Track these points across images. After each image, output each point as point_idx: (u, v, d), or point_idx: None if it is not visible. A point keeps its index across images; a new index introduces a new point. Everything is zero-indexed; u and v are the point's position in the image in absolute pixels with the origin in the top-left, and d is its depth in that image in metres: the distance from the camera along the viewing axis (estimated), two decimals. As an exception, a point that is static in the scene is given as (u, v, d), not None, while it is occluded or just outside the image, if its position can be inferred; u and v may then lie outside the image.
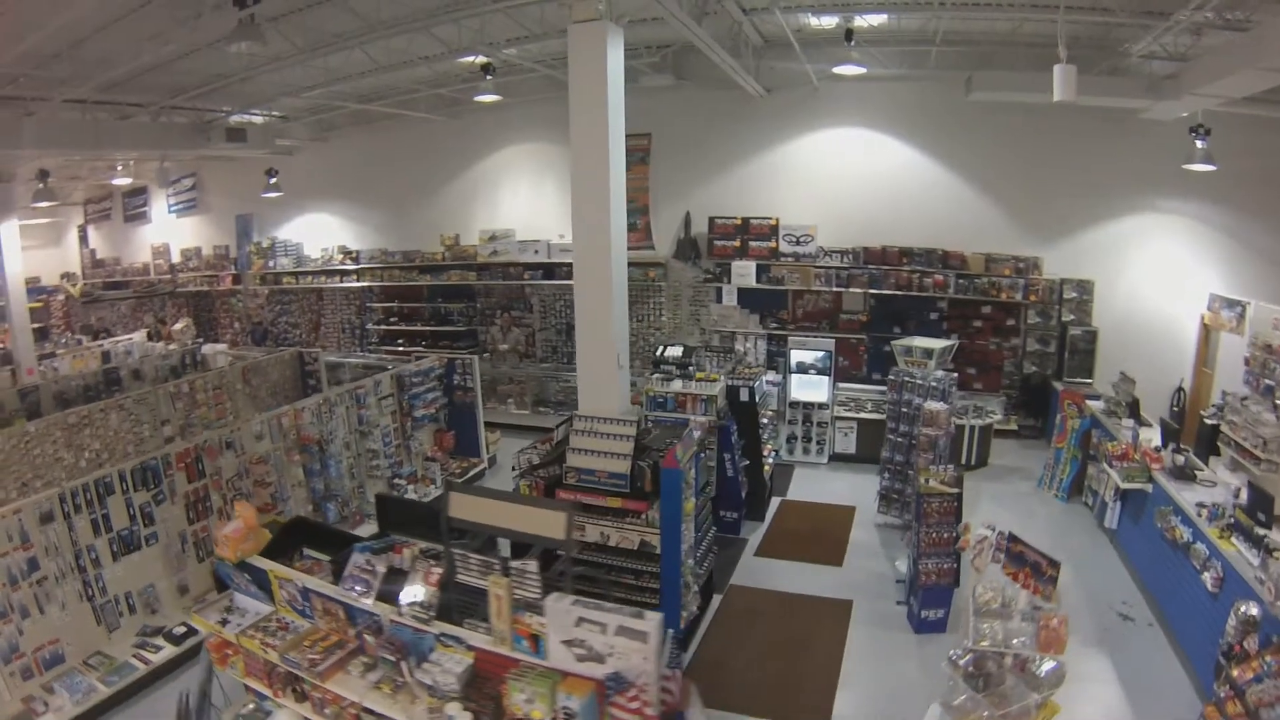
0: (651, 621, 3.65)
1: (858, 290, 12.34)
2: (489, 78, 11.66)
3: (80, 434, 10.20)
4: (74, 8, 7.86)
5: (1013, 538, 5.29)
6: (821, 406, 11.63)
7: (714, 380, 9.85)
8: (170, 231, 20.44)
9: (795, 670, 6.81)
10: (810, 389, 11.65)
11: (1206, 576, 6.03)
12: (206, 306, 19.83)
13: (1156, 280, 11.53)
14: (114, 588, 7.65)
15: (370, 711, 4.48)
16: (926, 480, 7.36)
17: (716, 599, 8.07)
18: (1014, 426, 11.94)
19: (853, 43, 9.72)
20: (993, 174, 11.82)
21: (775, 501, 10.49)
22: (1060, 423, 10.06)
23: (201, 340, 16.98)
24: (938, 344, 9.31)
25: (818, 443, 11.71)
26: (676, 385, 9.74)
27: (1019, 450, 11.58)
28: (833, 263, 12.45)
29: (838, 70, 10.68)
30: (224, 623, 5.61)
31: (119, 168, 15.97)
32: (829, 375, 11.56)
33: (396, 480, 10.97)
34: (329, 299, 17.79)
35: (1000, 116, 11.36)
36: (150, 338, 16.69)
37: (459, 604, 4.43)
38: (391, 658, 4.45)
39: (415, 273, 16.24)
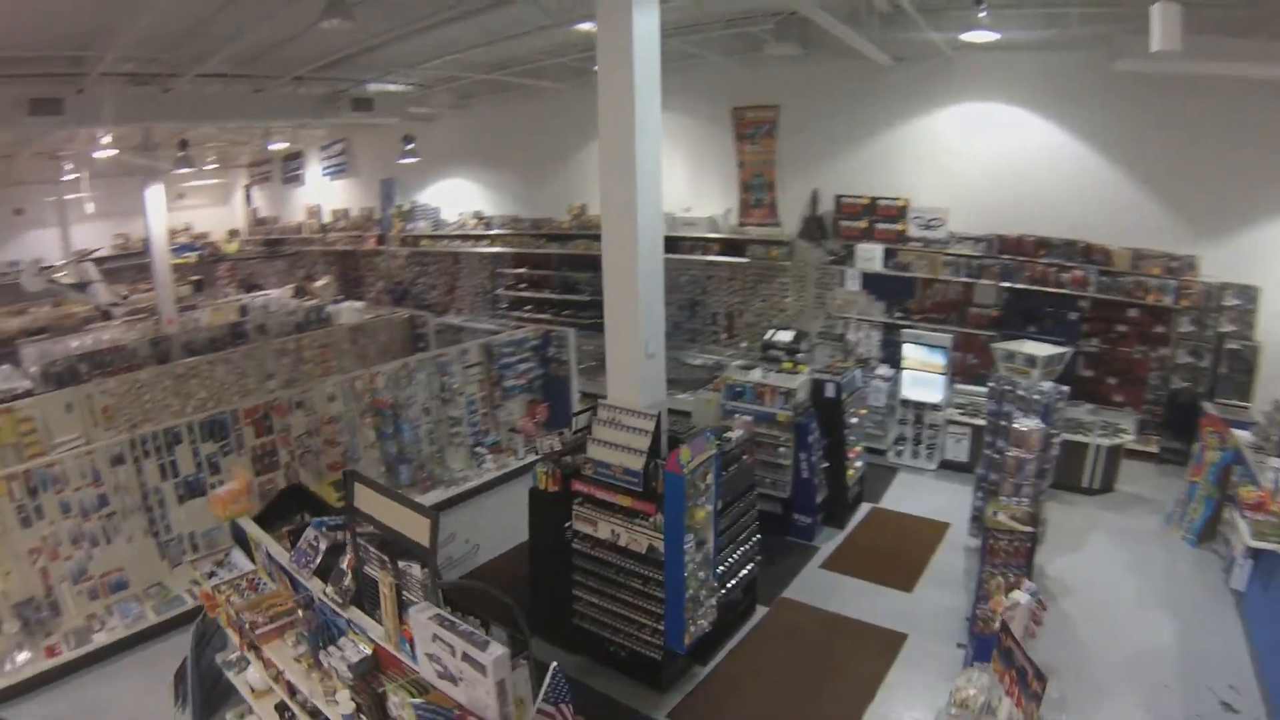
0: (492, 655, 3.13)
1: (989, 282, 10.93)
2: None
3: (188, 383, 10.86)
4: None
5: (1004, 628, 4.25)
6: (935, 407, 10.44)
7: (799, 372, 9.03)
8: (323, 193, 21.65)
9: (814, 705, 6.04)
10: (924, 387, 10.48)
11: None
12: (352, 265, 20.87)
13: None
14: (178, 527, 8.15)
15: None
16: (995, 513, 6.26)
17: (761, 611, 7.37)
18: (1154, 449, 10.17)
19: (983, 4, 8.39)
20: (1144, 157, 10.01)
21: (865, 509, 9.54)
22: (1199, 452, 8.37)
23: (341, 298, 17.84)
24: (1046, 351, 7.96)
25: (928, 447, 10.54)
26: (756, 375, 9.03)
27: (1155, 477, 9.88)
28: (964, 250, 11.07)
29: (966, 37, 9.38)
30: (211, 574, 5.75)
31: (275, 134, 16.92)
32: (946, 373, 10.32)
33: (478, 449, 10.93)
34: (464, 262, 18.19)
35: (1153, 89, 9.57)
36: (297, 293, 17.74)
37: (369, 594, 4.21)
38: (308, 634, 4.45)
39: (544, 240, 16.25)
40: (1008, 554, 6.09)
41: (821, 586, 7.83)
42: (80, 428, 9.83)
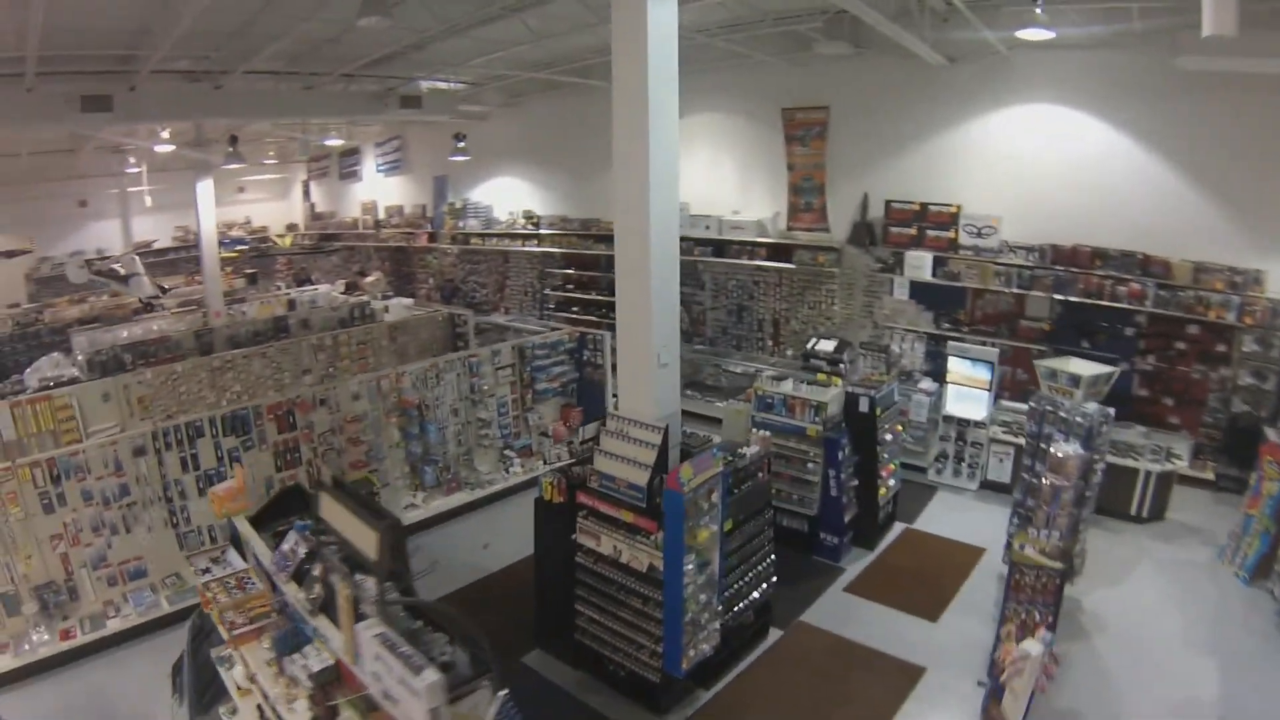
0: (425, 681, 2.93)
1: (1041, 294, 10.35)
2: None
3: (223, 377, 10.97)
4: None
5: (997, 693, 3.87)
6: (978, 424, 9.93)
7: (833, 384, 8.65)
8: (378, 189, 21.87)
9: (820, 741, 5.71)
10: (968, 402, 9.99)
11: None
12: (405, 262, 21.03)
13: None
14: (198, 519, 8.21)
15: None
16: (1022, 545, 5.83)
17: (775, 635, 7.04)
18: (1210, 476, 9.47)
19: (1039, 0, 7.89)
20: (1208, 163, 9.29)
21: (898, 529, 9.11)
22: (1257, 482, 7.71)
23: (391, 294, 17.94)
24: (1091, 370, 7.43)
25: (969, 465, 10.04)
26: (787, 386, 8.69)
27: (1209, 507, 9.18)
28: (1016, 260, 10.51)
29: (1022, 35, 8.87)
30: (206, 570, 5.76)
31: (331, 131, 17.12)
32: (991, 389, 9.81)
33: (507, 451, 10.80)
34: (514, 261, 18.15)
35: (1218, 88, 8.87)
36: (349, 289, 17.91)
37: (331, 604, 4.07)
38: (277, 638, 4.45)
39: (591, 241, 16.09)
40: (1034, 590, 5.65)
41: (842, 611, 7.47)
42: (117, 417, 9.99)
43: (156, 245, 20.56)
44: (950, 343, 10.35)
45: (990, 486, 9.82)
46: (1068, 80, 9.97)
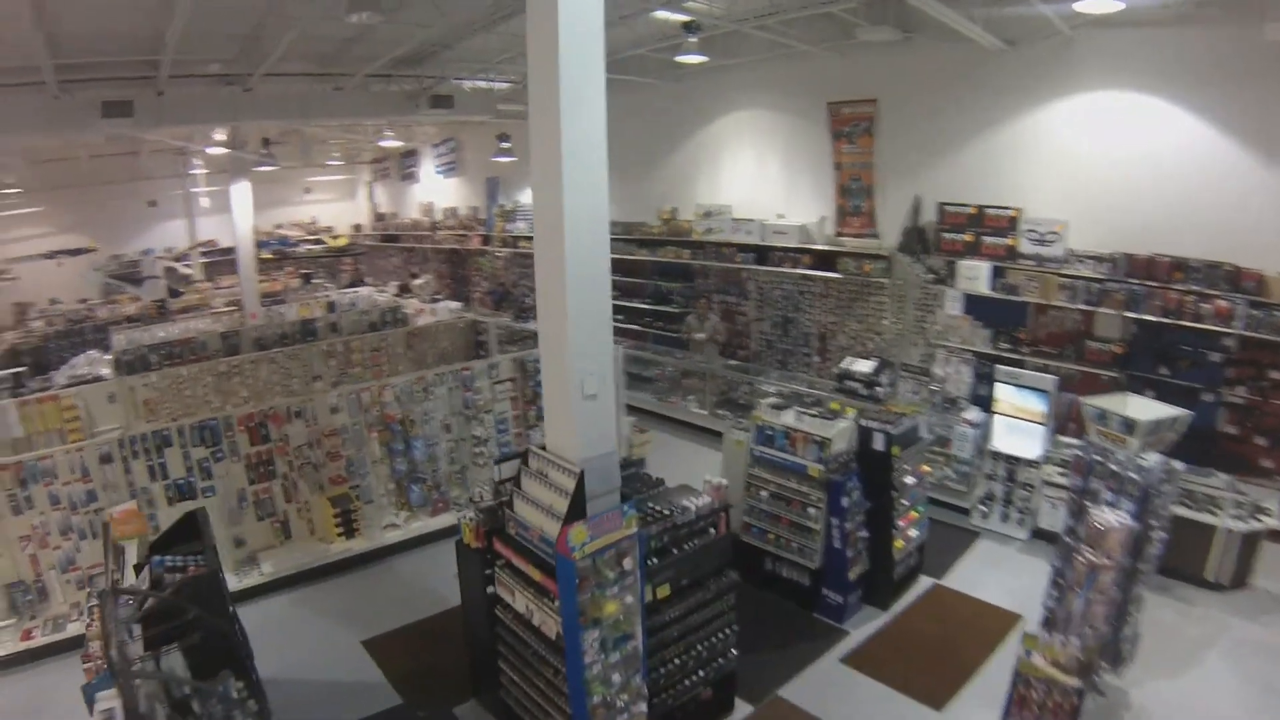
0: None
1: (1111, 311, 8.85)
2: (693, 38, 10.19)
3: (230, 381, 10.72)
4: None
5: None
6: (1031, 463, 8.56)
7: (845, 415, 7.54)
8: (435, 190, 21.66)
9: None
10: (1019, 437, 8.65)
11: None
12: (459, 264, 20.70)
13: None
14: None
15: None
16: (1029, 651, 4.64)
17: (742, 711, 6.04)
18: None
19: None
20: None
21: (923, 585, 7.87)
22: None
23: (440, 296, 17.61)
24: (1152, 414, 6.00)
25: (1019, 510, 8.67)
26: (788, 418, 7.62)
27: (1308, 573, 7.53)
28: (1083, 271, 9.04)
29: (1084, 8, 7.52)
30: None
31: (388, 132, 16.92)
32: (1047, 422, 8.45)
33: (501, 470, 10.10)
34: None
35: None
36: (402, 291, 17.69)
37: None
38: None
39: (635, 246, 15.27)
40: (1043, 710, 4.46)
41: (832, 686, 6.37)
42: (122, 418, 9.94)
43: (219, 245, 21.02)
44: (998, 367, 8.98)
45: (1043, 536, 8.42)
46: (1140, 61, 8.44)
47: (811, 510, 7.27)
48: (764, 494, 7.69)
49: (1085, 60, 8.81)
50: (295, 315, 14.21)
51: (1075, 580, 5.50)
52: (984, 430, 9.01)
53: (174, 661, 3.60)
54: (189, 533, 5.49)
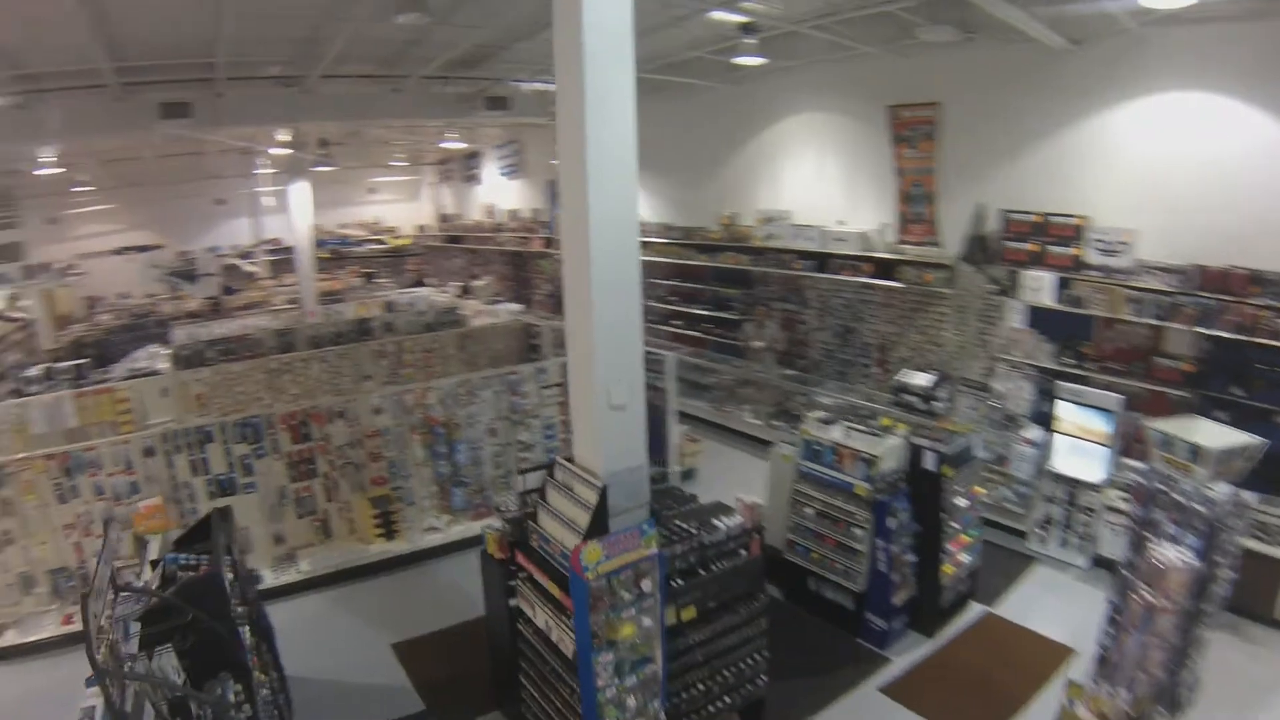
0: None
1: (1182, 326, 8.25)
2: (751, 39, 9.96)
3: (280, 378, 10.85)
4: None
5: None
6: (1093, 487, 8.09)
7: (895, 431, 7.23)
8: (498, 192, 21.73)
9: None
10: (1081, 458, 8.19)
11: None
12: (522, 266, 20.71)
13: None
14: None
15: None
16: (1072, 702, 4.30)
17: (769, 740, 5.81)
18: None
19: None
20: None
21: (974, 612, 7.48)
22: None
23: (501, 298, 17.64)
24: (1221, 441, 5.55)
25: (1080, 536, 8.20)
26: (836, 433, 7.33)
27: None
28: (1152, 284, 8.47)
29: (1150, 3, 7.04)
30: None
31: (451, 134, 16.99)
32: (1111, 443, 7.98)
33: (550, 476, 9.99)
34: None
35: None
36: (463, 292, 17.76)
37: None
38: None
39: (694, 251, 15.03)
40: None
41: (867, 718, 6.07)
42: (173, 411, 10.13)
43: (282, 243, 21.49)
44: (1060, 384, 8.51)
45: (1103, 564, 7.93)
46: (1213, 60, 7.83)
47: (857, 530, 6.98)
48: (809, 511, 7.43)
49: (1155, 59, 8.24)
50: (352, 314, 14.36)
51: (1131, 621, 5.10)
52: (1044, 450, 8.54)
53: (166, 661, 3.54)
54: (208, 531, 5.53)
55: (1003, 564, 8.17)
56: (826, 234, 12.38)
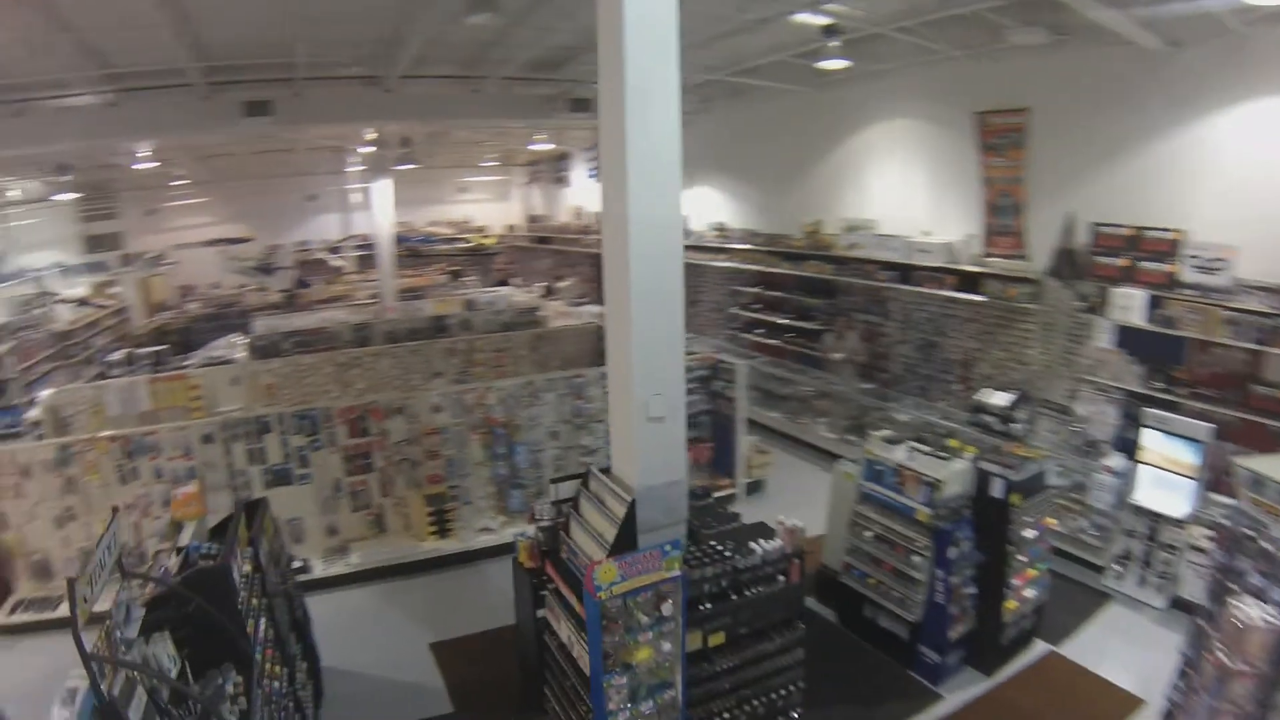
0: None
1: (1280, 352, 7.57)
2: (834, 42, 9.68)
3: (349, 372, 11.04)
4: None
5: None
6: (1177, 523, 7.49)
7: (962, 454, 6.84)
8: (586, 194, 21.66)
9: None
10: (1165, 491, 7.60)
11: None
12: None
13: None
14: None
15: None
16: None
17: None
18: None
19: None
20: None
21: (1037, 650, 6.99)
22: None
23: (586, 299, 17.63)
24: None
25: (1159, 575, 7.60)
26: (899, 454, 6.97)
27: None
28: (1252, 305, 7.78)
29: (1256, 0, 6.46)
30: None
31: (539, 135, 17.10)
32: (1199, 477, 7.38)
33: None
34: (707, 276, 17.10)
35: None
36: (548, 292, 17.81)
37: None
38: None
39: (778, 259, 14.69)
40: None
41: (911, 757, 5.75)
42: (243, 400, 10.39)
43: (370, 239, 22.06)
44: (1147, 410, 7.93)
45: (1183, 607, 7.30)
46: None
47: (916, 558, 6.59)
48: (868, 534, 7.10)
49: (1260, 61, 7.54)
50: (431, 311, 14.55)
51: (1203, 681, 4.63)
52: (1126, 480, 7.96)
53: (161, 648, 3.55)
54: (248, 522, 5.60)
55: (1073, 599, 7.64)
56: (910, 244, 11.87)
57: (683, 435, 5.12)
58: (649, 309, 4.76)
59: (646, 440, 4.89)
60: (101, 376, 10.55)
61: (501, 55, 11.59)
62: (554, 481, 5.58)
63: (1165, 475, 7.62)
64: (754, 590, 5.04)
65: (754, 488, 10.67)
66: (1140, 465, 7.83)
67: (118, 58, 9.77)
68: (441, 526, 8.90)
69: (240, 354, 12.34)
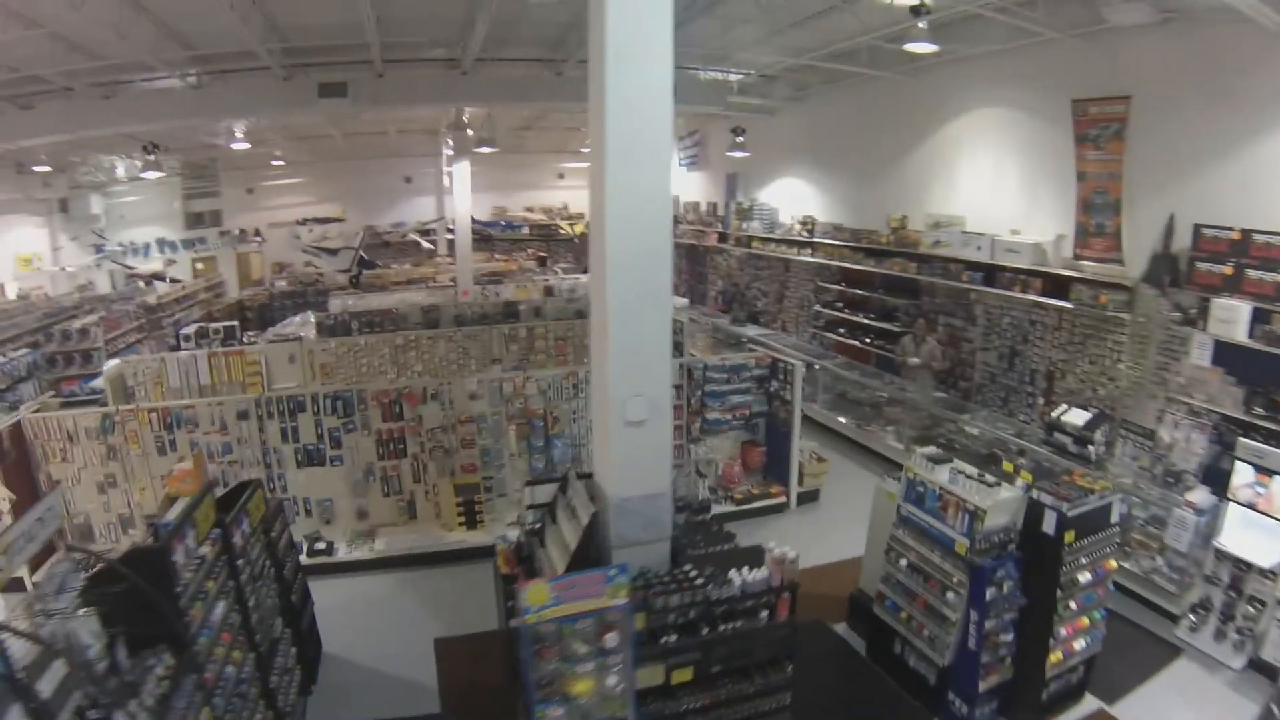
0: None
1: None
2: (922, 23, 9.01)
3: (406, 354, 11.07)
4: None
5: None
6: (1266, 574, 6.54)
7: (1019, 479, 6.12)
8: (680, 184, 21.21)
9: None
10: (1256, 535, 6.65)
11: None
12: (698, 261, 20.17)
13: None
14: (294, 489, 8.52)
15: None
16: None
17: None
18: None
19: None
20: None
21: (1086, 707, 6.22)
22: None
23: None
24: None
25: (1239, 631, 6.66)
26: (942, 476, 6.29)
27: None
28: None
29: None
30: None
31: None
32: (1301, 522, 6.43)
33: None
34: (794, 271, 16.50)
35: None
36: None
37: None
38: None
39: (862, 255, 13.94)
40: None
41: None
42: (299, 377, 10.56)
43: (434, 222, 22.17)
44: (1243, 439, 6.97)
45: (1263, 670, 6.39)
46: None
47: (951, 595, 5.93)
48: (903, 562, 6.43)
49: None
50: (508, 296, 14.48)
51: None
52: (1211, 518, 7.03)
53: (81, 624, 3.45)
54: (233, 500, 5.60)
55: (1137, 649, 6.80)
56: (997, 244, 10.95)
57: (668, 442, 4.72)
58: (629, 303, 4.38)
59: (624, 446, 4.51)
60: (175, 348, 10.91)
61: (581, 37, 11.38)
62: (529, 484, 5.26)
63: (1257, 517, 6.68)
64: (730, 625, 4.58)
65: (806, 497, 10.12)
66: (1229, 503, 6.90)
67: (198, 41, 10.06)
68: (470, 518, 8.76)
69: (309, 332, 12.56)
